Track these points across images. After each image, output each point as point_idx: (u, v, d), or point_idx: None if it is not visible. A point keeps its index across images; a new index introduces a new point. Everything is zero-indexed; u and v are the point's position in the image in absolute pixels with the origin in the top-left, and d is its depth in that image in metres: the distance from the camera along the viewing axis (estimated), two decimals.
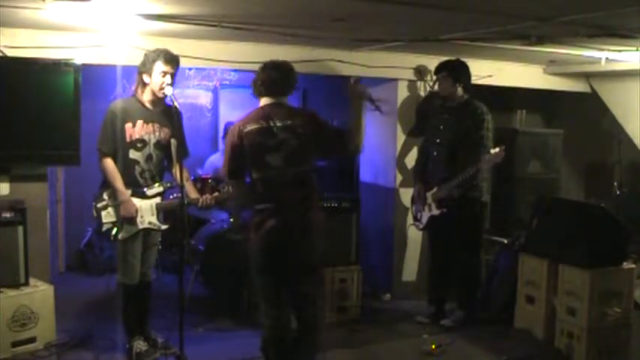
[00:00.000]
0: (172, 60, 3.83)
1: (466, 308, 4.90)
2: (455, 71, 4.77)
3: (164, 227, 4.00)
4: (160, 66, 3.78)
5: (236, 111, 6.80)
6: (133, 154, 3.88)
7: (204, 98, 6.80)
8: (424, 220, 4.91)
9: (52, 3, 3.44)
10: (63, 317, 4.43)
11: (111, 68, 4.88)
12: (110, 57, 4.53)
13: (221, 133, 6.31)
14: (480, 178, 4.65)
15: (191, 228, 5.47)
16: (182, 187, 3.78)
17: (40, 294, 4.17)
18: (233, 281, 5.06)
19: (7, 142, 4.18)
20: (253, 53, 4.99)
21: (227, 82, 6.77)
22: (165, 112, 3.95)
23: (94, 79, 5.31)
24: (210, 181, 5.34)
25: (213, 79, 6.72)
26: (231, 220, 5.36)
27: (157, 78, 3.79)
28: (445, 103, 4.86)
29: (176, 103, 3.76)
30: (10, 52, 4.23)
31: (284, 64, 3.55)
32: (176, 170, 3.93)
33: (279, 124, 3.39)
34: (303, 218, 3.44)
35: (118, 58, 4.53)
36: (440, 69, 4.83)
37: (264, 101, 3.49)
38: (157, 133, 3.93)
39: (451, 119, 4.76)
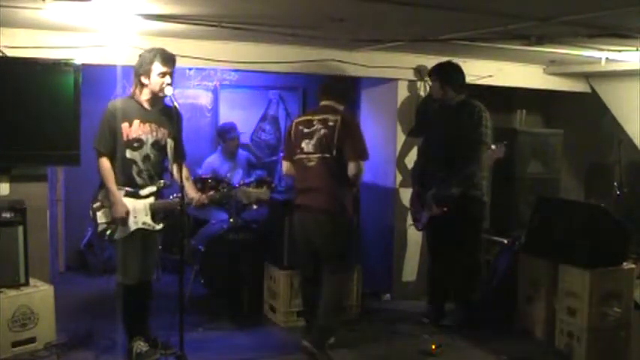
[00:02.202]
0: (169, 59, 3.81)
1: (466, 308, 4.90)
2: (440, 74, 4.79)
3: (158, 227, 3.95)
4: (157, 67, 3.76)
5: (236, 111, 6.81)
6: (130, 154, 3.85)
7: (204, 98, 6.77)
8: (423, 220, 4.90)
9: (52, 3, 3.44)
10: (63, 317, 4.41)
11: (111, 68, 4.87)
12: (110, 57, 4.53)
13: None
14: (479, 176, 4.65)
15: (191, 228, 5.47)
16: (182, 187, 3.77)
17: (40, 294, 4.17)
18: (233, 281, 5.06)
19: (7, 142, 4.17)
20: (253, 53, 5.00)
21: (227, 82, 6.75)
22: (164, 113, 3.93)
23: (94, 79, 5.30)
24: (210, 181, 5.32)
25: (213, 79, 6.70)
26: (231, 220, 5.36)
27: (156, 79, 3.78)
28: (443, 104, 4.86)
29: (176, 104, 3.76)
30: (10, 52, 4.22)
31: (339, 77, 4.56)
32: (175, 171, 3.93)
33: (318, 117, 4.15)
34: (324, 205, 4.04)
35: (118, 58, 4.52)
36: (429, 73, 4.89)
37: (321, 103, 4.28)
38: (155, 133, 3.90)
39: (450, 119, 4.76)
